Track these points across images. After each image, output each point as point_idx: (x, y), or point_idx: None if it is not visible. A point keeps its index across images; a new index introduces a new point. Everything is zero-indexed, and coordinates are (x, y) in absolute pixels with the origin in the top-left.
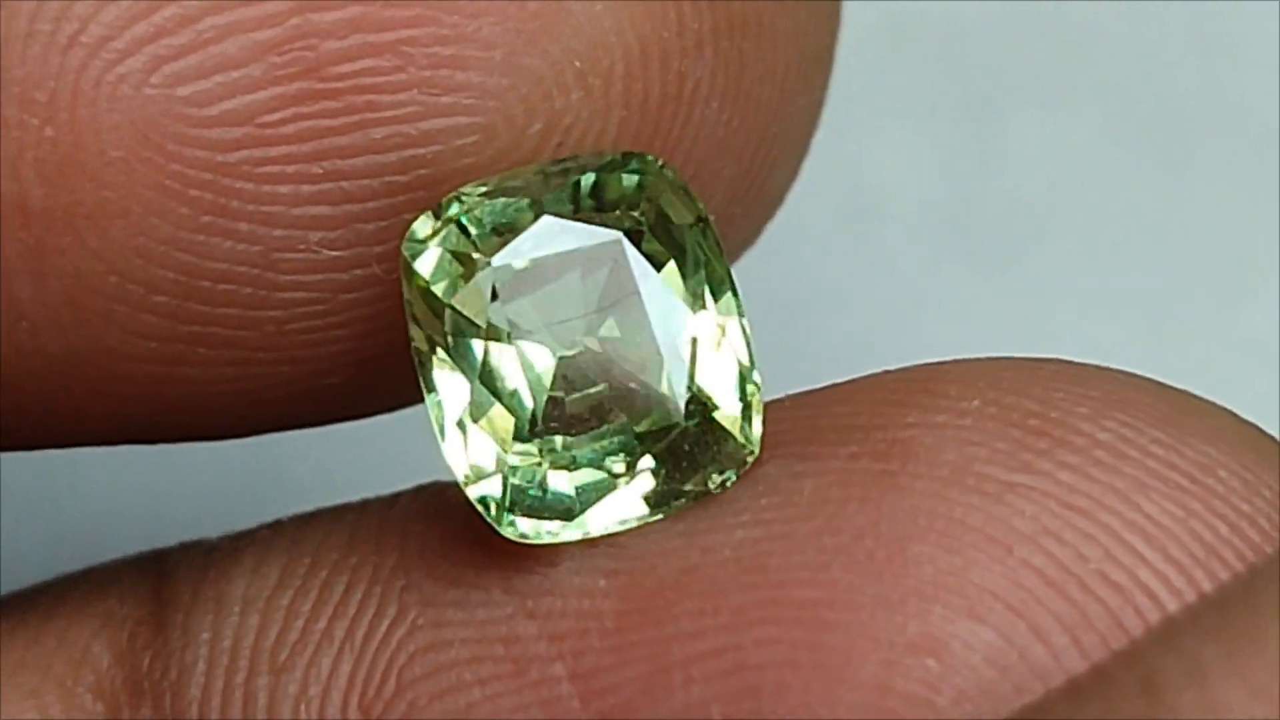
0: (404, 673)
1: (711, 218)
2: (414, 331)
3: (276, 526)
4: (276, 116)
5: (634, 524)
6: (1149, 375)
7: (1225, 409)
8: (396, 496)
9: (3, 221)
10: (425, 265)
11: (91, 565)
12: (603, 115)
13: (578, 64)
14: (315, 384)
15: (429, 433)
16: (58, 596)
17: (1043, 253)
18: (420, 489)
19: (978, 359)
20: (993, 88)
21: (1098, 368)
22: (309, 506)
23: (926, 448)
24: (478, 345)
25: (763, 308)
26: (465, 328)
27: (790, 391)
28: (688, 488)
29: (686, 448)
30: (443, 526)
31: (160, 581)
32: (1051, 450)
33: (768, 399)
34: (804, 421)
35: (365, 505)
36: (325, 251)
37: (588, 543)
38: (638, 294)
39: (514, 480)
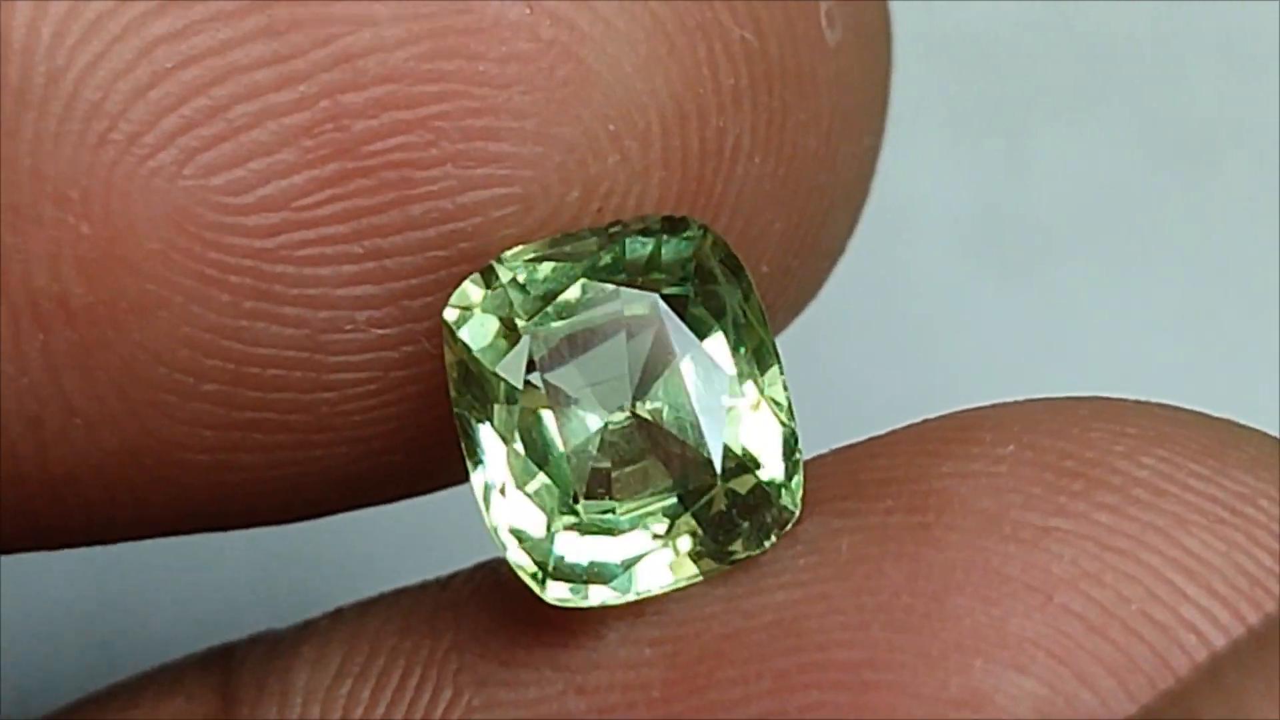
0: None
1: (754, 281)
2: (456, 398)
3: (337, 615)
4: (312, 199)
5: (676, 586)
6: (1183, 393)
7: (1268, 436)
8: (453, 577)
9: (47, 320)
10: (469, 331)
11: (163, 663)
12: (642, 177)
13: (611, 127)
14: (374, 463)
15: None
16: (129, 698)
17: (1069, 265)
18: (477, 568)
19: (1014, 403)
20: (1019, 101)
21: (1136, 403)
22: (379, 587)
23: (961, 498)
24: (521, 412)
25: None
26: (508, 394)
27: (816, 404)
28: (729, 549)
29: (727, 509)
30: (495, 604)
31: (227, 676)
32: (1088, 491)
33: (802, 417)
34: (842, 477)
35: (423, 587)
36: (373, 330)
37: (632, 611)
38: (680, 362)
39: (556, 545)
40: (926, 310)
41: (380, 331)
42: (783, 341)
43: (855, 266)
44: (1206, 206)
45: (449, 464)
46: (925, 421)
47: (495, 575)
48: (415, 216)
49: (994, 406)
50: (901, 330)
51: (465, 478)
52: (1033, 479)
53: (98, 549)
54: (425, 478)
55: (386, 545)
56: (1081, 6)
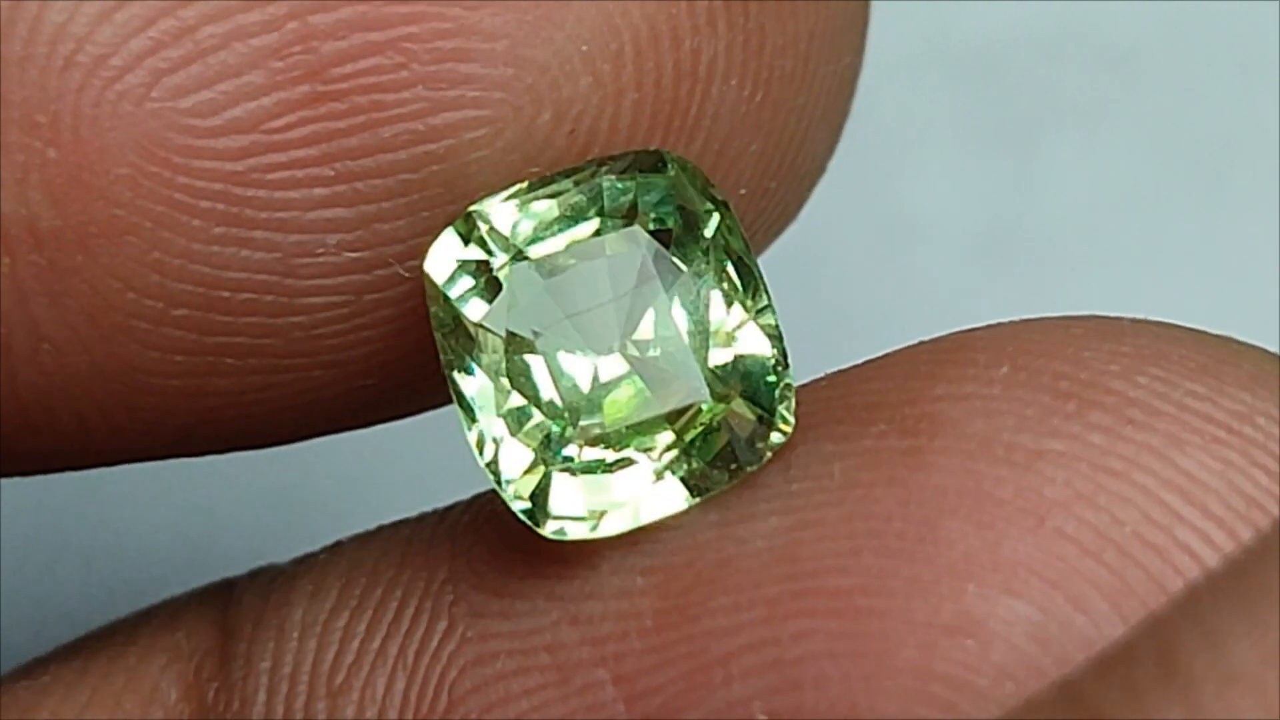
0: (454, 688)
1: (733, 208)
2: (442, 347)
3: (336, 548)
4: (282, 122)
5: (675, 513)
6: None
7: (1266, 352)
8: (451, 508)
9: (14, 245)
10: (450, 283)
11: (163, 600)
12: (614, 99)
13: (584, 48)
14: (349, 387)
15: None
16: (128, 634)
17: (1080, 276)
18: (475, 499)
19: (1008, 323)
20: (1029, 113)
21: (1133, 321)
22: (383, 519)
23: (954, 420)
24: (509, 361)
25: (800, 334)
26: (494, 344)
27: None
28: (725, 470)
29: (719, 430)
30: (492, 536)
31: (226, 611)
32: (1081, 412)
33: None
34: (834, 401)
35: (421, 519)
36: (345, 254)
37: (627, 541)
38: (666, 294)
39: (553, 487)
40: (938, 321)
41: (352, 255)
42: (794, 350)
43: (867, 277)
44: (1217, 218)
45: (425, 388)
46: (918, 344)
47: (492, 506)
48: (386, 139)
49: (987, 327)
50: (913, 340)
51: (443, 401)
52: (1026, 400)
53: (96, 486)
54: (402, 402)
55: (392, 477)
56: (1091, 20)
